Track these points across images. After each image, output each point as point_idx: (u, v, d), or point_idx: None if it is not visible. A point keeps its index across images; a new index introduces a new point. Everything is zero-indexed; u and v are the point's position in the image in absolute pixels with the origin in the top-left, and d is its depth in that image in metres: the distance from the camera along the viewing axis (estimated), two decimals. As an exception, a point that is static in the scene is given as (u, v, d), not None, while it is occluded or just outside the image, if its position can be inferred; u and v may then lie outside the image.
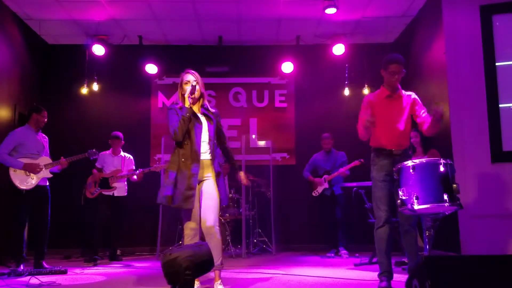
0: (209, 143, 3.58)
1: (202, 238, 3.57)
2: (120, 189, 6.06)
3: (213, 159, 3.58)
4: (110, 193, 5.98)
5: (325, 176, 6.32)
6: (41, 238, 5.00)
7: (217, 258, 3.33)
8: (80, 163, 5.40)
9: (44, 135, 5.28)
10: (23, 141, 4.95)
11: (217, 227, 3.47)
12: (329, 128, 7.16)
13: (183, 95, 3.54)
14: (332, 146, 6.55)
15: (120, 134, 6.23)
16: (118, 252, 6.27)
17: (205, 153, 3.56)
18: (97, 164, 6.06)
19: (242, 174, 3.89)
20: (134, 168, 6.18)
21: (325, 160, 6.51)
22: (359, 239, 6.32)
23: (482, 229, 4.88)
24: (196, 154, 3.48)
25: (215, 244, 3.38)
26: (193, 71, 3.64)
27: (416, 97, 3.72)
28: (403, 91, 3.71)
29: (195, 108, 3.58)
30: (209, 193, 3.51)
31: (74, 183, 6.11)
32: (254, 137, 7.60)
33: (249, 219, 6.59)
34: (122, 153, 6.22)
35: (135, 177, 6.03)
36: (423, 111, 3.63)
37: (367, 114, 3.44)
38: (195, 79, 3.56)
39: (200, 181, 3.54)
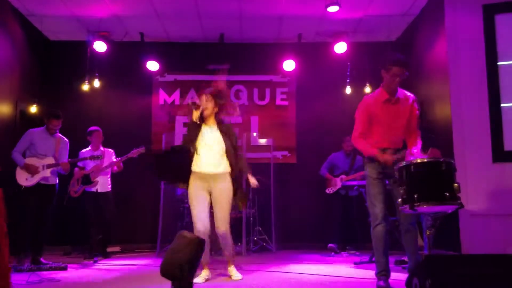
0: (225, 154, 4.01)
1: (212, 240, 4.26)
2: (102, 185, 5.99)
3: (226, 171, 4.01)
4: (93, 189, 5.92)
5: (342, 176, 6.38)
6: (40, 235, 5.05)
7: (230, 253, 4.12)
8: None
9: (64, 139, 5.42)
10: (34, 141, 5.19)
11: (228, 231, 4.04)
12: (330, 126, 7.16)
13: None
14: (353, 149, 6.56)
15: (98, 128, 6.14)
16: (118, 249, 6.26)
17: (212, 165, 3.97)
18: (79, 164, 5.99)
19: (249, 178, 4.20)
20: (115, 160, 6.11)
21: (344, 161, 6.56)
22: (359, 238, 6.32)
23: (483, 229, 4.88)
24: (202, 174, 3.97)
25: (229, 243, 4.07)
26: (209, 91, 4.08)
27: (416, 103, 3.66)
28: (403, 92, 3.66)
29: (209, 122, 4.08)
30: (219, 202, 3.99)
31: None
32: (255, 135, 7.59)
33: (249, 217, 6.59)
34: (101, 148, 6.14)
35: (115, 167, 6.01)
36: (413, 121, 3.65)
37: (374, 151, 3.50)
38: (206, 99, 4.03)
39: (212, 190, 4.02)
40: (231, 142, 4.07)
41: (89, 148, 6.10)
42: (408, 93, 3.68)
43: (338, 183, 6.40)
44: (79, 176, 5.93)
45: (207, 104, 4.03)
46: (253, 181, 4.19)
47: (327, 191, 6.48)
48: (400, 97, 3.60)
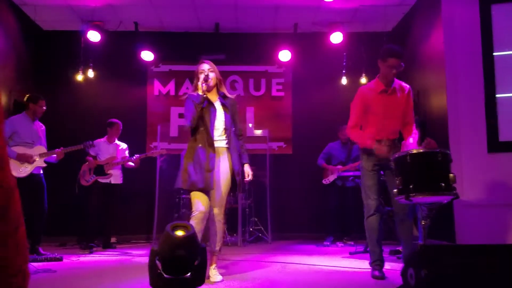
0: (224, 131, 3.63)
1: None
2: (116, 177, 6.01)
3: (229, 147, 3.62)
4: (107, 181, 5.92)
5: (339, 166, 6.38)
6: (38, 225, 5.00)
7: (216, 243, 3.56)
8: (75, 151, 5.38)
9: (41, 124, 5.27)
10: (18, 129, 4.96)
11: (223, 215, 3.61)
12: (325, 117, 7.15)
13: (197, 84, 3.59)
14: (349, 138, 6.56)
15: (119, 121, 6.16)
16: (114, 239, 6.26)
17: (220, 140, 3.61)
18: (91, 152, 5.96)
19: (246, 168, 3.71)
20: (128, 157, 6.13)
21: (341, 151, 6.55)
22: (354, 228, 6.35)
23: (478, 219, 4.90)
24: (210, 139, 3.54)
25: (219, 229, 3.56)
26: (208, 61, 3.71)
27: (411, 94, 3.67)
28: (399, 83, 3.65)
29: (212, 96, 3.65)
30: (220, 182, 3.57)
31: (70, 170, 6.08)
32: (250, 126, 7.57)
33: (245, 208, 6.60)
34: (117, 141, 6.17)
35: (131, 163, 5.98)
36: (409, 112, 3.65)
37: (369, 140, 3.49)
38: (209, 68, 3.63)
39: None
40: (233, 118, 3.74)
41: (104, 138, 6.09)
42: (404, 84, 3.69)
43: (335, 172, 6.40)
44: (92, 166, 5.90)
45: (210, 73, 3.60)
46: (247, 170, 3.68)
47: (323, 181, 6.48)
48: (396, 87, 3.61)
